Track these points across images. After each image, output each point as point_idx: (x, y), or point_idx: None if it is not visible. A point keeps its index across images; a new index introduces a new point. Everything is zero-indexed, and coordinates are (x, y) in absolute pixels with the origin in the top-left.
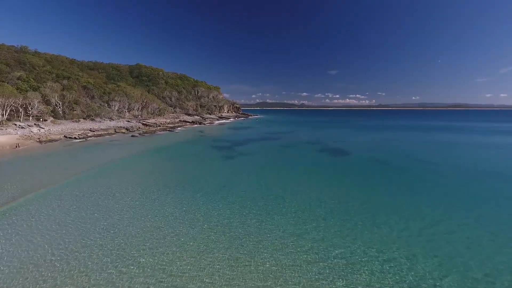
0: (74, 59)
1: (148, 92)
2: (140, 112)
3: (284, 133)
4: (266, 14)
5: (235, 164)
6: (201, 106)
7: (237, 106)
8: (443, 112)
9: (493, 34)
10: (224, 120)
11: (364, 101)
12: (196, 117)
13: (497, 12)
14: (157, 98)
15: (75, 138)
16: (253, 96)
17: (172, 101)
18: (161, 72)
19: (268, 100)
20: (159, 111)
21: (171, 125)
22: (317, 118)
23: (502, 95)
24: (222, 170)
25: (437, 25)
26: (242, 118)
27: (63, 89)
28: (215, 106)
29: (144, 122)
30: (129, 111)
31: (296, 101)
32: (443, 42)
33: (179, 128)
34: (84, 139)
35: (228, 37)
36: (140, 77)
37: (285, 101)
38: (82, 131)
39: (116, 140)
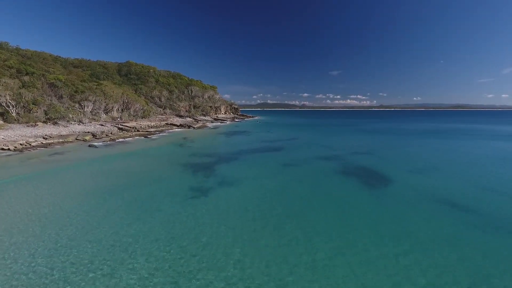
0: (59, 56)
1: (136, 92)
2: (120, 114)
3: (287, 141)
4: (267, 14)
5: (206, 212)
6: (194, 106)
7: (235, 106)
8: (450, 113)
9: (495, 35)
10: (219, 123)
11: (365, 102)
12: (188, 119)
13: (499, 13)
14: (145, 98)
15: (9, 149)
16: (254, 96)
17: (161, 101)
18: (152, 70)
19: (269, 101)
20: (143, 112)
21: (153, 129)
22: (320, 120)
23: (503, 95)
24: (180, 229)
25: (439, 26)
26: (240, 120)
27: (22, 87)
28: (210, 107)
29: (121, 126)
30: (106, 113)
31: (297, 102)
32: (445, 42)
33: (160, 134)
34: (20, 151)
35: (229, 37)
36: (129, 75)
37: (286, 102)
38: (31, 139)
39: (59, 153)
